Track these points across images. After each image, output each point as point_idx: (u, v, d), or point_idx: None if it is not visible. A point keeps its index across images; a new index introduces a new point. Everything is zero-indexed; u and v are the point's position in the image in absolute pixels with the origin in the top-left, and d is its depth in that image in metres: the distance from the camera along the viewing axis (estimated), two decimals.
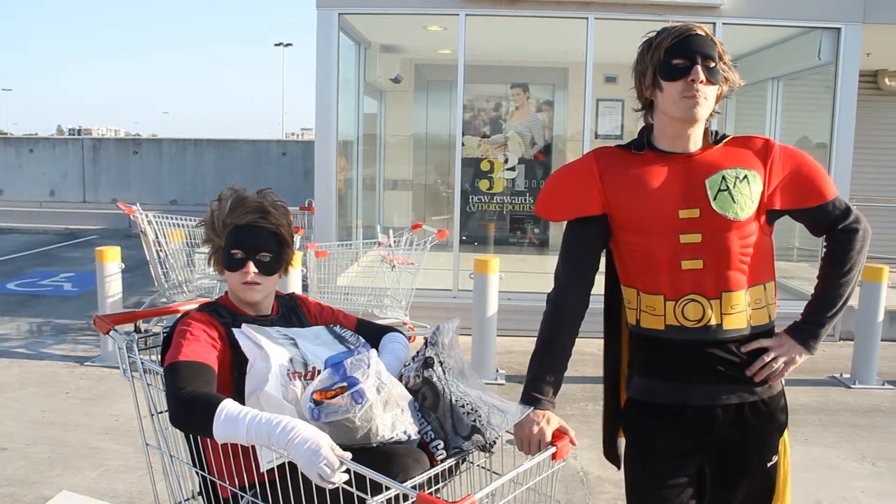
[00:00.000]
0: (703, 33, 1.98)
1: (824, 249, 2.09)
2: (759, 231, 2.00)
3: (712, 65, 1.96)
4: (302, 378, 1.98)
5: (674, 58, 1.96)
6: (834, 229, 2.04)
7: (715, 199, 1.96)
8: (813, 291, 2.08)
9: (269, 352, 1.99)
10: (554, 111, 10.18)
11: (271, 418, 1.75)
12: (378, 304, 6.40)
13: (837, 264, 2.03)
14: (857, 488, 4.16)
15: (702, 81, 1.94)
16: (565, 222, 2.15)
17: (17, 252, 12.47)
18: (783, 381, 2.09)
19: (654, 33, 2.04)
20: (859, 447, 4.75)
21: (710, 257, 1.97)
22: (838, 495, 4.07)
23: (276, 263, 2.21)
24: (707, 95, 1.96)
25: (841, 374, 6.24)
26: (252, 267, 2.15)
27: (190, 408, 1.85)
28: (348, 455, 1.68)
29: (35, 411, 5.07)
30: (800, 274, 8.43)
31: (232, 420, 1.77)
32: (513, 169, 9.55)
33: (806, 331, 2.05)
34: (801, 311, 2.09)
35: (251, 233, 2.17)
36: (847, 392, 5.90)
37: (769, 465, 2.08)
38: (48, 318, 7.80)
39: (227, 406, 1.80)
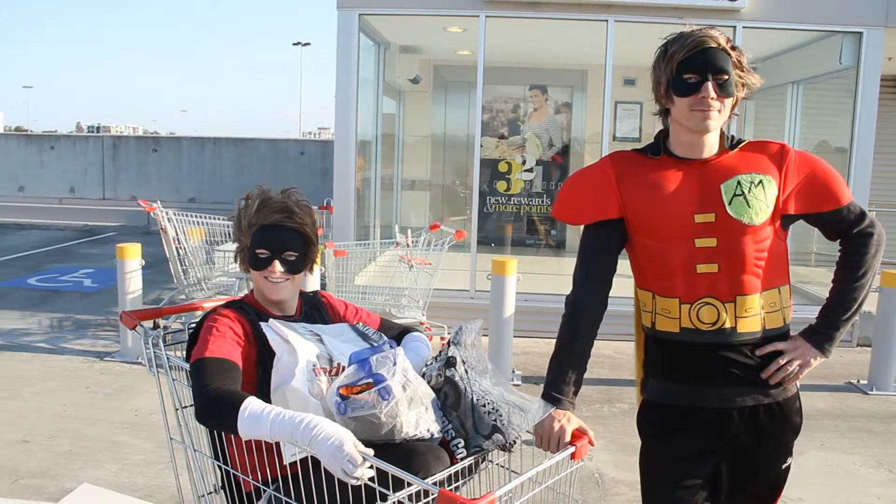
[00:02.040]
0: (715, 45, 1.96)
1: (839, 253, 2.10)
2: (773, 235, 2.02)
3: (725, 78, 1.95)
4: (327, 374, 2.01)
5: (685, 72, 1.96)
6: (849, 234, 2.05)
7: (730, 203, 1.98)
8: (828, 295, 2.10)
9: (297, 346, 2.02)
10: (572, 113, 10.17)
11: (294, 416, 1.76)
12: (395, 304, 6.42)
13: (852, 268, 2.05)
14: (874, 495, 4.15)
15: (712, 97, 1.94)
16: (582, 225, 2.17)
17: (38, 248, 12.61)
18: (798, 384, 2.11)
19: (672, 37, 2.03)
20: (876, 453, 4.73)
21: (724, 261, 1.98)
22: (854, 501, 4.07)
23: (302, 262, 2.24)
24: (719, 108, 1.96)
25: (858, 381, 6.21)
26: (278, 266, 2.19)
27: (215, 405, 1.88)
28: (371, 452, 1.69)
29: (56, 405, 5.14)
30: (817, 279, 8.38)
31: (256, 417, 1.80)
32: (530, 170, 9.55)
33: (821, 334, 2.06)
34: (817, 315, 2.10)
35: (276, 232, 2.20)
36: (864, 398, 5.88)
37: (783, 466, 2.10)
38: (69, 314, 7.89)
39: (251, 404, 1.82)
